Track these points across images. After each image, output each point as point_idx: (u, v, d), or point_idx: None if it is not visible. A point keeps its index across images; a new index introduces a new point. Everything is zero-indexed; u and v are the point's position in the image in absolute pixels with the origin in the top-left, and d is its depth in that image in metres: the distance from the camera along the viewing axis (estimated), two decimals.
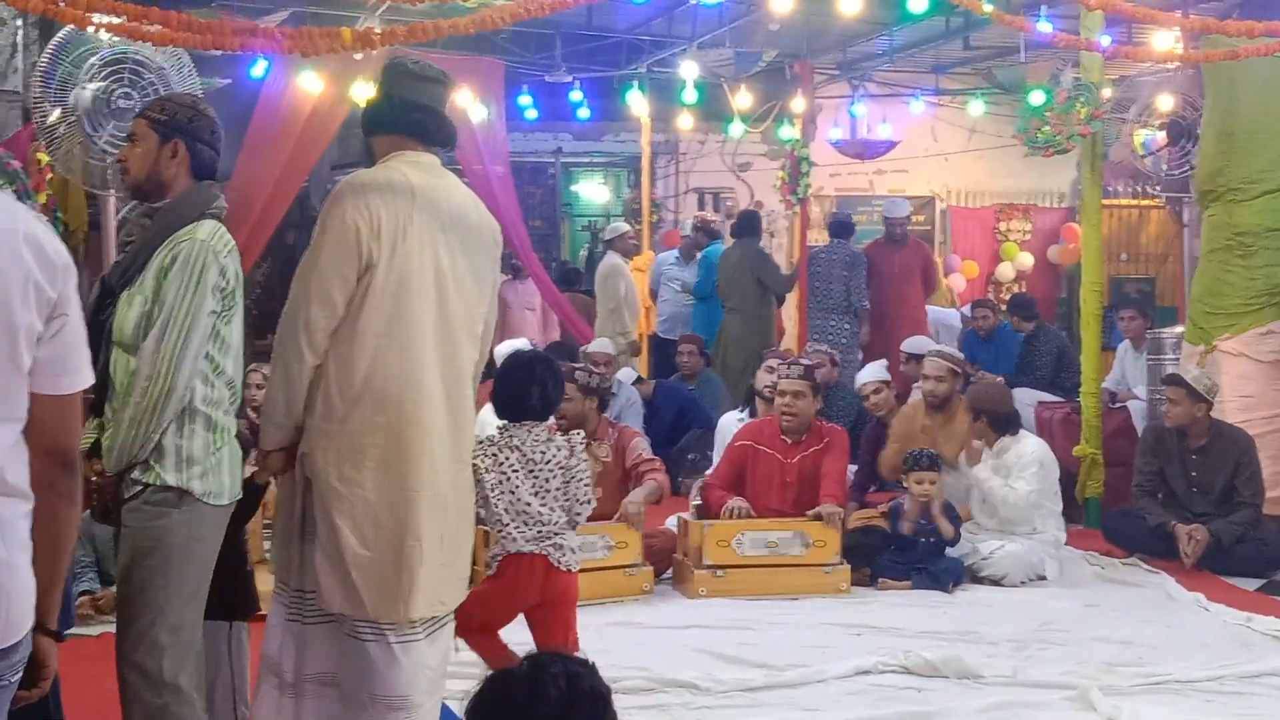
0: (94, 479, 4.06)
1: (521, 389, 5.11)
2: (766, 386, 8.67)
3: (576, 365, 7.98)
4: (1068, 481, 8.75)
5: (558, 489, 5.01)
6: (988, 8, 7.77)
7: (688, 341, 12.26)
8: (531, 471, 4.99)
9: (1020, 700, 5.64)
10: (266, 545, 5.40)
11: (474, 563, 4.91)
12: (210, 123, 4.32)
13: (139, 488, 4.00)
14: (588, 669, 2.64)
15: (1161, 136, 13.59)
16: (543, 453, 5.02)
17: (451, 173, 4.60)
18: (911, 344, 10.41)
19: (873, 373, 9.53)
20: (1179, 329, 10.04)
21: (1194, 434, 8.30)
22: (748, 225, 13.28)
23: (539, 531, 4.94)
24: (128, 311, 4.07)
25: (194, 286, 4.01)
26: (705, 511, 7.92)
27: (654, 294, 14.20)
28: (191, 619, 4.09)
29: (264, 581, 4.64)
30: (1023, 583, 7.75)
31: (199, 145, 4.27)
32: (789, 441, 8.02)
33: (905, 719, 5.46)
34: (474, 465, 4.66)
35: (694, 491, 8.12)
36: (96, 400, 4.10)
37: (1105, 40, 9.01)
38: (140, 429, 3.95)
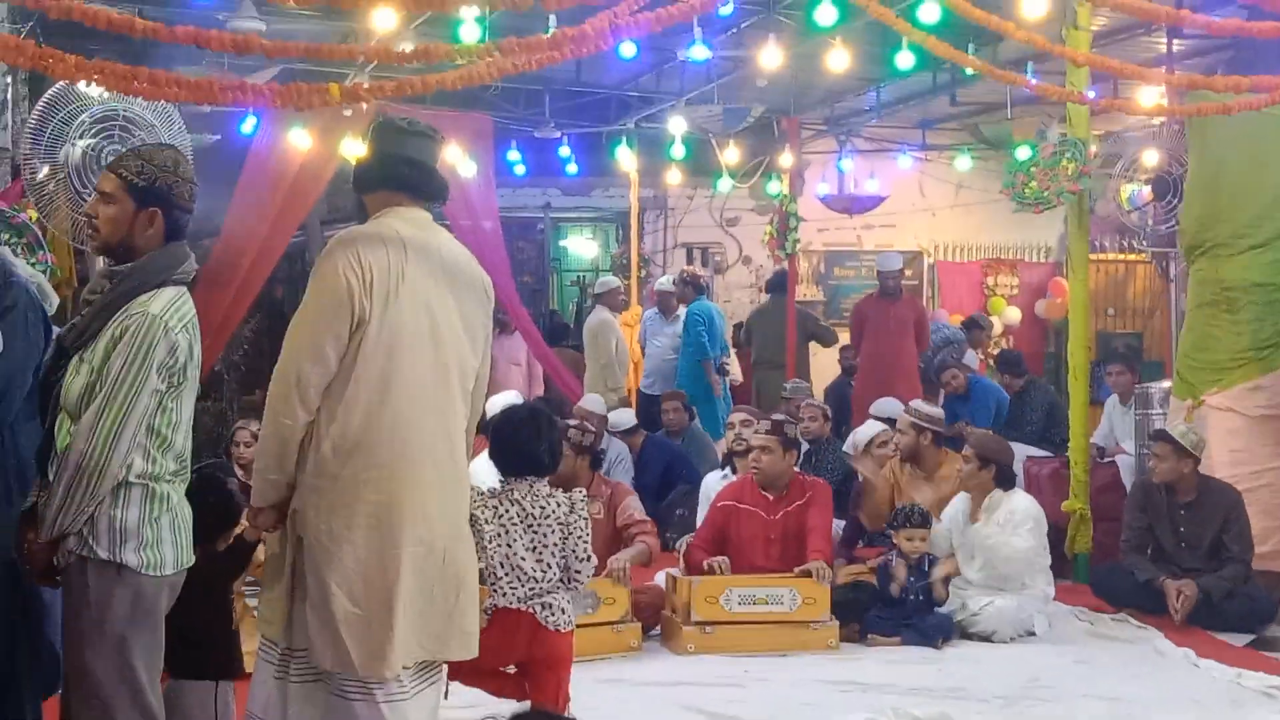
0: (28, 543, 4.03)
1: (525, 444, 5.10)
2: (736, 443, 8.70)
3: (570, 423, 7.96)
4: (1056, 537, 8.73)
5: (555, 545, 5.01)
6: (975, 62, 7.84)
7: (672, 398, 12.26)
8: (530, 527, 4.99)
9: None
10: (251, 603, 5.37)
11: None
12: (190, 186, 4.25)
13: (74, 558, 3.97)
14: None
15: (1147, 191, 13.65)
16: (543, 508, 5.02)
17: (443, 228, 4.62)
18: (880, 407, 10.37)
19: (873, 426, 9.55)
20: (1166, 384, 10.04)
21: (1182, 489, 8.30)
22: (781, 282, 13.60)
23: (530, 589, 4.92)
24: (74, 379, 4.03)
25: (139, 364, 3.96)
26: (688, 572, 7.88)
27: (643, 350, 14.23)
28: (140, 685, 4.04)
29: (247, 640, 4.61)
30: (1012, 639, 7.71)
31: (176, 211, 4.21)
32: (771, 498, 8.00)
33: None
34: (473, 516, 4.66)
35: (680, 549, 8.10)
36: (40, 461, 4.08)
37: (1091, 94, 9.07)
38: (73, 501, 3.92)
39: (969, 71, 8.45)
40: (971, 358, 13.76)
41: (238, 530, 4.49)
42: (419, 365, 4.25)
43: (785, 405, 10.88)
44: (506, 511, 4.95)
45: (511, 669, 5.23)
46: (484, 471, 5.21)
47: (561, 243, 18.85)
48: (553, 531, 4.99)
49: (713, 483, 9.14)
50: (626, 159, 14.63)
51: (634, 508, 7.88)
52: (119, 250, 4.18)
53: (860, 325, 13.24)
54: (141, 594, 4.01)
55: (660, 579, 8.11)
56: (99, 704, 3.98)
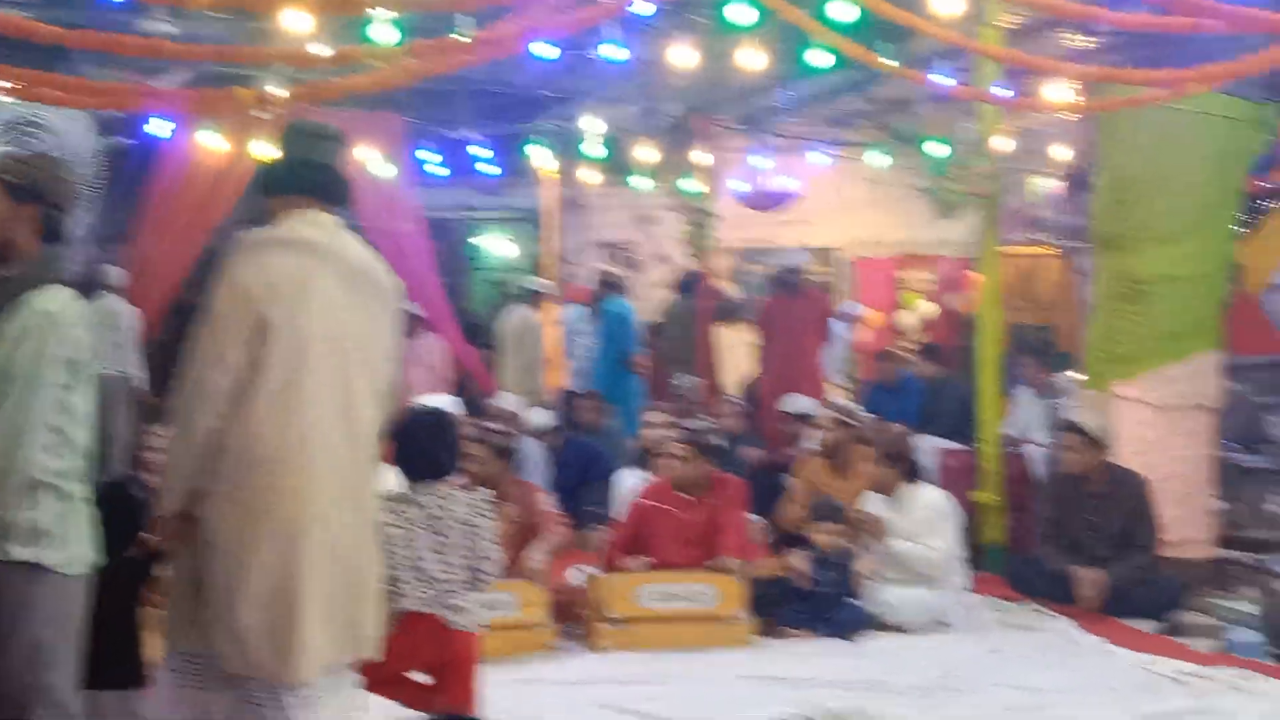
0: None
1: (426, 447, 5.09)
2: (652, 443, 8.72)
3: (493, 428, 7.96)
4: (969, 528, 8.84)
5: (460, 546, 5.00)
6: (885, 63, 7.90)
7: (588, 397, 12.25)
8: (434, 529, 4.98)
9: None
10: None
11: None
12: (69, 188, 4.24)
13: None
14: None
15: (1057, 185, 13.84)
16: (446, 510, 5.00)
17: (350, 231, 4.61)
18: (791, 403, 10.43)
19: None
20: (1076, 375, 10.17)
21: (1092, 480, 8.42)
22: (690, 282, 13.89)
23: (435, 592, 4.91)
24: None
25: (41, 363, 3.94)
26: (607, 571, 7.90)
27: (565, 349, 14.24)
28: (59, 689, 4.01)
29: (153, 648, 4.58)
30: (926, 630, 7.80)
31: (53, 211, 4.19)
32: (688, 498, 8.05)
33: None
34: (378, 521, 4.65)
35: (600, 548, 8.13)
36: None
37: (1003, 91, 9.17)
38: None
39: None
40: None
41: (145, 538, 4.46)
42: (325, 370, 4.24)
43: (680, 403, 10.89)
44: (411, 515, 4.94)
45: (424, 679, 5.22)
46: (392, 476, 5.20)
47: (477, 242, 18.78)
48: (457, 533, 4.99)
49: (627, 480, 9.16)
50: (542, 158, 14.62)
51: (542, 502, 7.91)
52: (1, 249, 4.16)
53: (767, 323, 13.30)
54: (58, 593, 3.99)
55: (577, 578, 8.12)
56: (15, 708, 3.95)
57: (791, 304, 13.18)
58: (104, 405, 12.03)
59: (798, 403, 10.25)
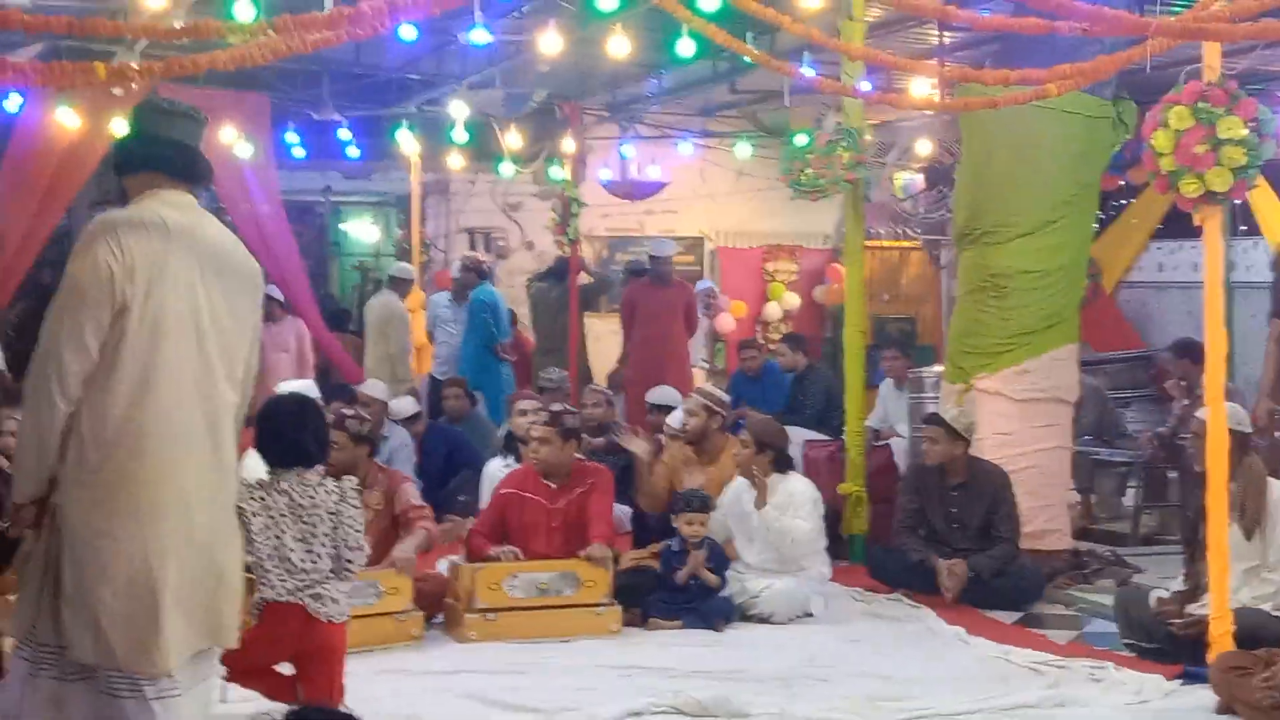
0: None
1: (290, 434, 4.99)
2: (522, 431, 8.67)
3: (346, 411, 7.83)
4: (833, 519, 8.90)
5: (325, 535, 4.91)
6: (753, 52, 7.91)
7: (453, 384, 12.17)
8: (299, 518, 4.88)
9: None
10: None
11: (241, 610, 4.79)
12: None
13: None
14: None
15: (920, 180, 14.01)
16: (311, 498, 4.91)
17: (209, 212, 4.50)
18: (657, 394, 10.42)
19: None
20: (939, 368, 10.29)
21: (953, 471, 8.51)
22: (559, 269, 13.90)
23: (299, 582, 4.82)
24: None
25: None
26: (472, 559, 7.83)
27: (431, 336, 14.12)
28: None
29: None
30: (790, 620, 7.84)
31: None
32: (553, 486, 8.00)
33: None
34: (240, 509, 4.55)
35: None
36: None
37: (866, 86, 9.22)
38: None
39: (748, 60, 8.53)
40: None
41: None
42: (182, 354, 4.14)
43: (550, 395, 10.86)
44: (274, 503, 4.84)
45: (286, 670, 5.13)
46: (256, 465, 5.09)
47: (342, 226, 18.59)
48: (322, 521, 4.89)
49: (495, 469, 9.10)
50: (407, 142, 14.50)
51: (411, 494, 7.81)
52: None
53: (631, 311, 13.30)
54: None
55: (442, 567, 8.05)
56: None
57: (656, 292, 13.20)
58: None
59: (664, 394, 10.23)
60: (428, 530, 7.62)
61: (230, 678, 4.81)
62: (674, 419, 9.28)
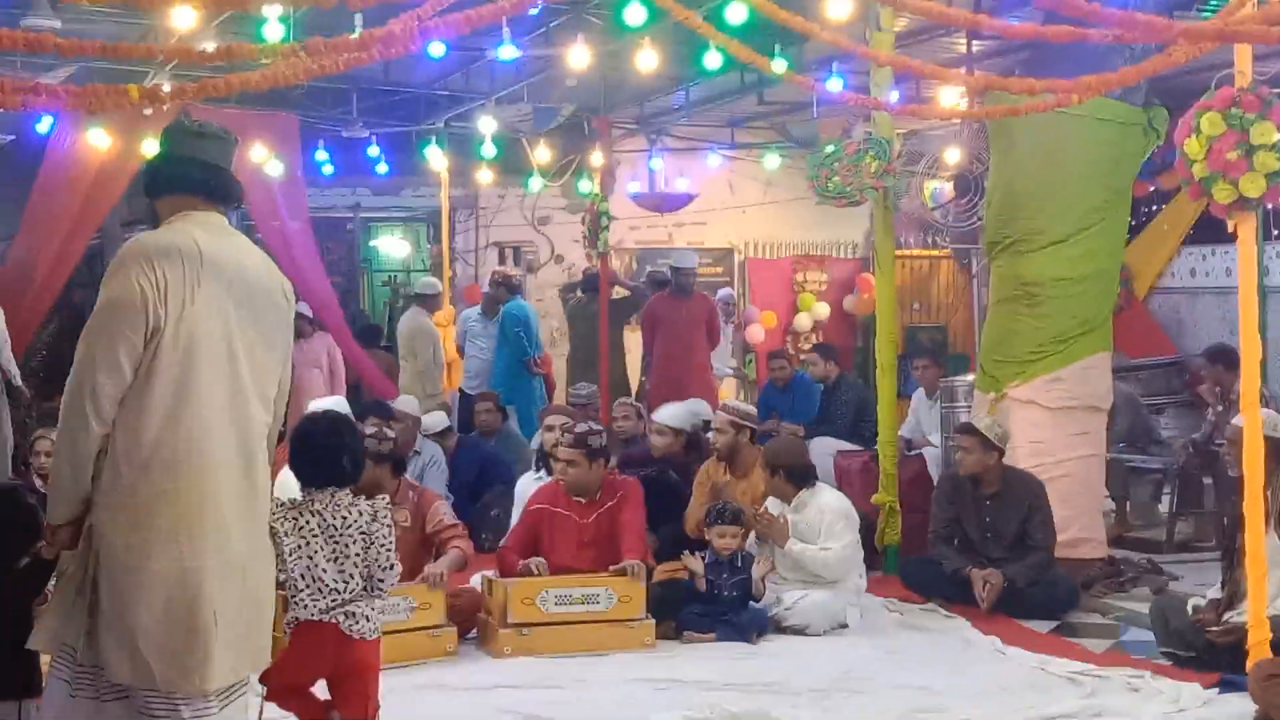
0: None
1: (325, 454, 4.97)
2: (551, 447, 8.67)
3: (369, 432, 7.84)
4: (866, 529, 8.87)
5: (357, 555, 4.90)
6: (779, 68, 7.91)
7: (485, 399, 12.17)
8: (331, 537, 4.88)
9: None
10: None
11: (274, 629, 4.80)
12: None
13: None
14: None
15: (949, 189, 13.98)
16: (344, 518, 4.91)
17: (239, 232, 4.52)
18: (665, 415, 10.36)
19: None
20: (971, 377, 10.25)
21: (987, 481, 8.48)
22: (595, 282, 13.74)
23: (331, 601, 4.82)
24: None
25: None
26: (502, 575, 7.82)
27: (461, 350, 14.15)
28: None
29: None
30: (825, 632, 7.82)
31: None
32: (583, 501, 8.00)
33: None
34: (272, 529, 4.56)
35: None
36: None
37: (894, 96, 9.22)
38: None
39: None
40: None
41: (37, 547, 4.34)
42: (215, 375, 4.15)
43: (582, 410, 10.86)
44: (307, 523, 4.83)
45: (322, 692, 5.12)
46: (290, 484, 5.09)
47: (372, 243, 18.63)
48: (355, 541, 4.89)
49: (527, 484, 9.09)
50: (436, 158, 14.54)
51: (443, 513, 7.83)
52: None
53: (653, 324, 13.27)
54: None
55: (476, 582, 8.06)
56: None
57: (678, 304, 13.17)
58: None
59: (664, 412, 10.12)
60: (462, 550, 7.63)
61: (268, 697, 4.82)
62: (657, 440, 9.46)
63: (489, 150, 13.73)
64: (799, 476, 8.20)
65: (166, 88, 4.83)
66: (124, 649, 4.04)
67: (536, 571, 7.68)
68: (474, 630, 7.70)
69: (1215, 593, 7.04)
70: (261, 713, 4.79)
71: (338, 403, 8.59)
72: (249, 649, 4.28)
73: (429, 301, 13.66)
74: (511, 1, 4.92)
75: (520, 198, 16.48)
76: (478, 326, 13.96)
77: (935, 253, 17.43)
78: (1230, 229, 6.32)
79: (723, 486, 8.68)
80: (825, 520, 8.04)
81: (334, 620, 4.82)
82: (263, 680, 4.77)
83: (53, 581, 4.40)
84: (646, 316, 13.48)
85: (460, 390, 13.86)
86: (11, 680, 4.31)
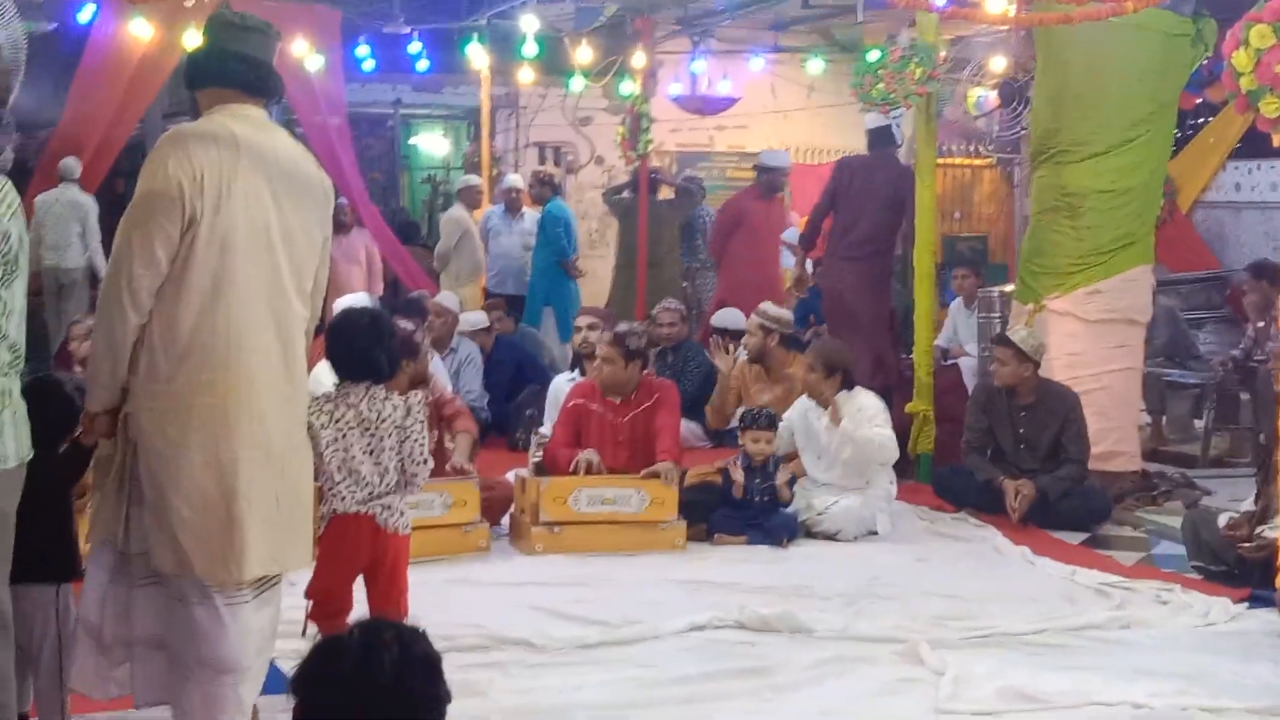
0: None
1: (363, 350, 4.99)
2: (583, 346, 8.69)
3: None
4: (900, 437, 8.88)
5: (392, 449, 4.93)
6: None
7: (494, 308, 12.03)
8: (367, 430, 4.90)
9: (851, 654, 5.71)
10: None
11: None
12: (4, 78, 4.12)
13: None
14: (419, 636, 2.61)
15: (994, 97, 13.81)
16: (379, 412, 4.93)
17: (280, 126, 4.52)
18: (722, 318, 10.33)
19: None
20: (1009, 287, 10.20)
21: (1022, 392, 8.46)
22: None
23: (368, 493, 4.86)
24: None
25: None
26: (553, 472, 7.84)
27: (485, 248, 14.13)
28: None
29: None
30: (855, 538, 7.85)
31: None
32: (618, 401, 8.03)
33: (739, 674, 5.50)
34: (309, 422, 4.59)
35: (533, 448, 8.03)
36: None
37: (940, 0, 9.09)
38: None
39: None
40: None
41: (75, 433, 4.39)
42: (252, 267, 4.16)
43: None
44: (343, 416, 4.85)
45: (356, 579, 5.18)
46: (324, 378, 5.12)
47: (412, 140, 18.60)
48: (390, 435, 4.91)
49: (561, 384, 9.13)
50: (478, 56, 14.47)
51: (441, 388, 7.87)
52: None
53: (735, 223, 12.81)
54: None
55: (510, 478, 8.10)
56: None
57: (764, 206, 12.90)
58: (57, 296, 11.92)
59: (730, 317, 10.17)
60: (470, 432, 7.68)
61: (311, 615, 4.88)
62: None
63: (530, 49, 13.63)
64: (848, 379, 8.19)
65: None
66: (164, 538, 4.09)
67: (592, 464, 7.70)
68: (506, 522, 7.75)
69: (1248, 507, 7.03)
70: (305, 629, 4.86)
71: (363, 299, 8.61)
72: (289, 541, 4.32)
73: (470, 197, 13.64)
74: None
75: (561, 98, 16.39)
76: (502, 224, 13.90)
77: (978, 162, 17.26)
78: (1276, 143, 6.24)
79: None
80: (866, 416, 8.01)
81: (370, 513, 4.86)
82: (308, 595, 4.85)
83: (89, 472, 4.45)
84: (728, 213, 13.00)
85: (484, 289, 13.85)
86: (50, 564, 4.37)
